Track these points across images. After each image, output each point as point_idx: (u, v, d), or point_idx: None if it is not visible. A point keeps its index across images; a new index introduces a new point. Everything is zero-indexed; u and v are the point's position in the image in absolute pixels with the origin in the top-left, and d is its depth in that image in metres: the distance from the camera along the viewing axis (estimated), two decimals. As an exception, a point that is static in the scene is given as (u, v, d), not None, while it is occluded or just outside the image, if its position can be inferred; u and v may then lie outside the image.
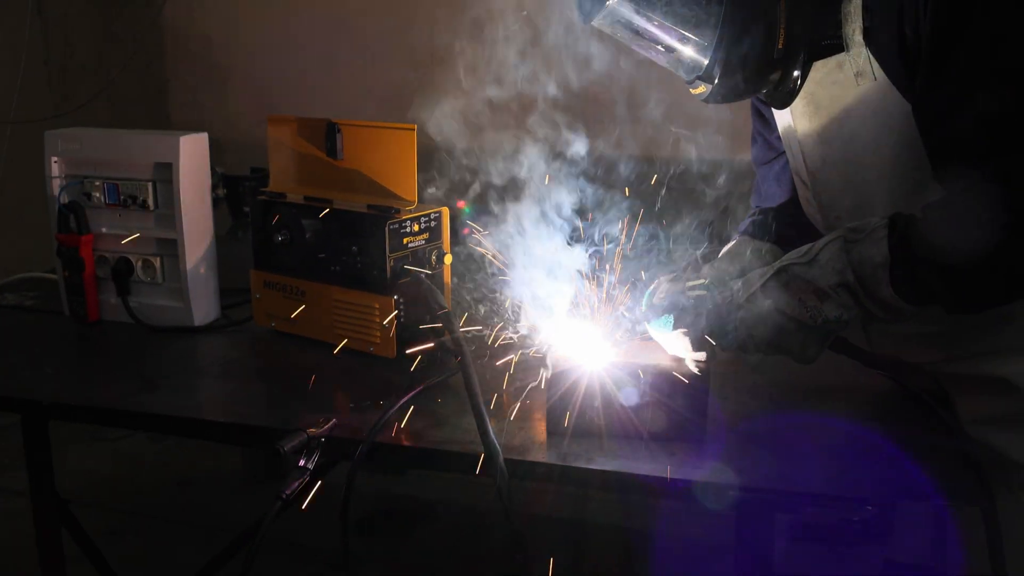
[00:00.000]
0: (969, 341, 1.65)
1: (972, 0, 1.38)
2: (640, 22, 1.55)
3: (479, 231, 1.89)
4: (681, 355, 1.62)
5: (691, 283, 1.62)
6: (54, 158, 2.27)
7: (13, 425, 2.21)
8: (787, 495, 1.48)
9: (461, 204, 1.97)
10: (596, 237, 1.82)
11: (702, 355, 1.58)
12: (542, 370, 1.71)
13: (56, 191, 2.26)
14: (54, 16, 5.19)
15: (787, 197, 1.96)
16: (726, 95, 1.60)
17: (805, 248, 1.51)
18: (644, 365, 1.61)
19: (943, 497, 1.48)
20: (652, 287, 1.67)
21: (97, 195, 2.25)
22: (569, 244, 1.78)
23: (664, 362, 1.63)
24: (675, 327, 1.58)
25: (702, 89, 1.61)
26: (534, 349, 1.80)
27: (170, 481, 4.04)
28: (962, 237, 1.36)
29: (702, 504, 1.46)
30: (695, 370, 1.59)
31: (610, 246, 1.81)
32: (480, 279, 2.00)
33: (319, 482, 1.60)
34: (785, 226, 1.92)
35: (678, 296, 1.61)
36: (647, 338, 1.67)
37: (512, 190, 1.86)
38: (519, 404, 1.73)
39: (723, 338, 1.57)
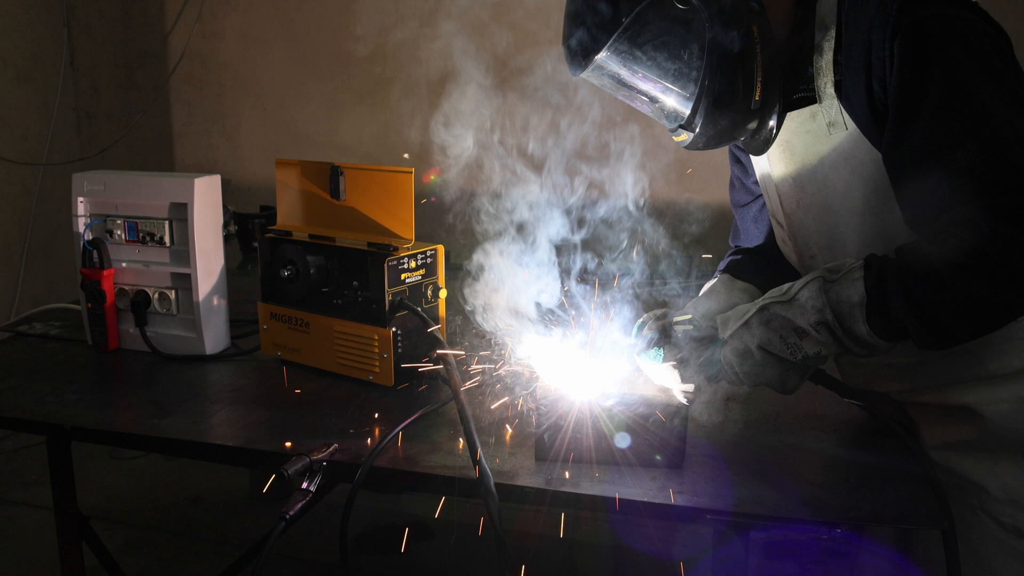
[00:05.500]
0: (935, 372, 1.64)
1: (935, 60, 1.37)
2: (626, 75, 1.53)
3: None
4: (669, 386, 1.59)
5: (678, 319, 1.61)
6: (80, 198, 2.25)
7: (38, 445, 2.16)
8: (760, 518, 1.44)
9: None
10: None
11: (690, 386, 1.56)
12: (531, 399, 1.68)
13: (81, 228, 2.24)
14: (84, 67, 5.21)
15: (764, 237, 1.95)
16: (707, 143, 1.58)
17: (785, 287, 1.49)
18: (628, 395, 1.58)
19: (907, 520, 1.46)
20: (640, 321, 1.65)
21: (118, 232, 2.23)
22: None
23: (647, 392, 1.60)
24: (665, 360, 1.57)
25: (684, 137, 1.60)
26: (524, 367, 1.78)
27: (182, 498, 3.98)
28: (933, 278, 1.34)
29: (682, 525, 1.43)
30: (684, 400, 1.57)
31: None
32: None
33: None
34: (762, 264, 1.91)
35: (667, 331, 1.59)
36: (635, 369, 1.65)
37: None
38: (509, 431, 1.70)
39: (710, 371, 1.55)
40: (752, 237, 1.98)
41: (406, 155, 2.05)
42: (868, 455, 1.65)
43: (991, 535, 1.63)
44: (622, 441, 1.55)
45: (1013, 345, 1.55)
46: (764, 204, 1.89)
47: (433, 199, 1.91)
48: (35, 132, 4.92)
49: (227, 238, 2.32)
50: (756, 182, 1.88)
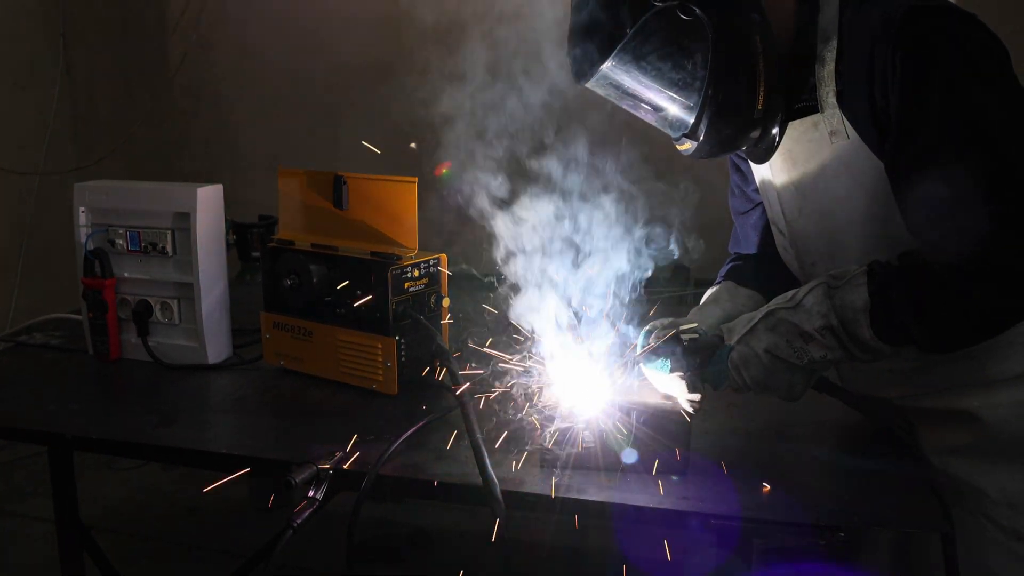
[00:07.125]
0: (935, 377, 1.66)
1: (937, 71, 1.40)
2: (630, 84, 1.55)
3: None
4: (676, 395, 1.61)
5: (684, 327, 1.62)
6: (82, 208, 2.26)
7: (37, 455, 2.17)
8: (763, 523, 1.46)
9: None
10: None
11: (697, 396, 1.58)
12: (536, 407, 1.70)
13: (83, 238, 2.25)
14: (81, 76, 5.21)
15: (764, 244, 1.97)
16: (710, 151, 1.60)
17: (790, 294, 1.52)
18: (632, 403, 1.60)
19: (907, 524, 1.48)
20: (646, 330, 1.66)
21: (120, 242, 2.24)
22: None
23: (650, 400, 1.62)
24: (672, 370, 1.58)
25: (688, 146, 1.61)
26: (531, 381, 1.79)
27: (180, 508, 3.97)
28: (936, 283, 1.38)
29: (686, 531, 1.45)
30: (690, 410, 1.58)
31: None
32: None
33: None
34: (763, 271, 1.93)
35: (673, 340, 1.61)
36: (641, 378, 1.67)
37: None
38: (515, 439, 1.72)
39: (717, 379, 1.57)
40: (752, 244, 2.00)
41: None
42: (868, 460, 1.67)
43: (990, 538, 1.65)
44: (629, 457, 1.57)
45: (1014, 350, 1.57)
46: (764, 212, 1.91)
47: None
48: (31, 141, 4.91)
49: (226, 248, 2.33)
50: (756, 190, 1.90)
